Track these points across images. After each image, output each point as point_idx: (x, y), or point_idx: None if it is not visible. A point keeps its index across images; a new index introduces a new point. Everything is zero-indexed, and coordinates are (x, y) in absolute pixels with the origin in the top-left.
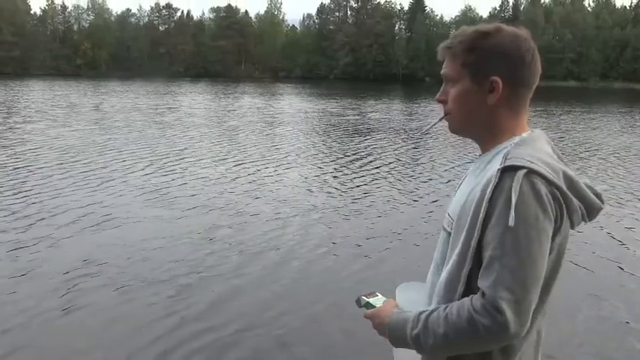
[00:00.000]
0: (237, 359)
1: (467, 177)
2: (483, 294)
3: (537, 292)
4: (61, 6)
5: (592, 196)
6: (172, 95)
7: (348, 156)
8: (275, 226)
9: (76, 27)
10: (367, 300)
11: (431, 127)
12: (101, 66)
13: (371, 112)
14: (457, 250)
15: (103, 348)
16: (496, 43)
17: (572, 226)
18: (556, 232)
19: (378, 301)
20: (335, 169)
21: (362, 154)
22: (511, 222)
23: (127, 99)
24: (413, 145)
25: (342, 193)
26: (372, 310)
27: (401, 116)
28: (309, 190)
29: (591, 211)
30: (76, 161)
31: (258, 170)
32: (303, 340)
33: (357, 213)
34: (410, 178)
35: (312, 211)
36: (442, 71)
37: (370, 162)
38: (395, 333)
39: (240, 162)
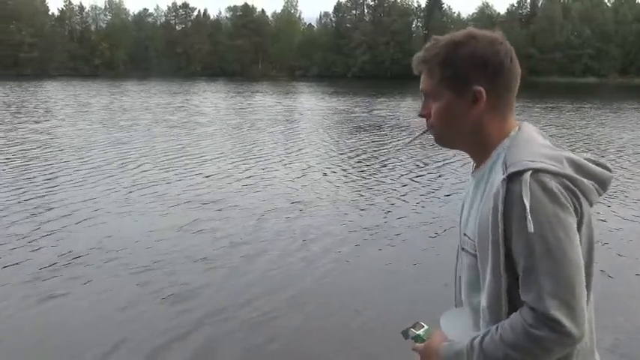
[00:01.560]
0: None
1: (470, 194)
2: (532, 308)
3: (583, 285)
4: (79, 6)
5: (599, 169)
6: (185, 94)
7: (367, 155)
8: (282, 224)
9: (93, 27)
10: (417, 333)
11: (413, 140)
12: (119, 66)
13: (389, 110)
14: (489, 270)
15: (95, 330)
16: (473, 51)
17: (592, 204)
18: (580, 221)
19: (426, 332)
20: (345, 167)
21: (381, 152)
22: (530, 228)
23: (139, 98)
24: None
25: (357, 191)
26: (421, 344)
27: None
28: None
29: (603, 184)
30: (77, 158)
31: (277, 169)
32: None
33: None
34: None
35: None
36: (420, 86)
37: (385, 161)
38: None
39: (250, 159)
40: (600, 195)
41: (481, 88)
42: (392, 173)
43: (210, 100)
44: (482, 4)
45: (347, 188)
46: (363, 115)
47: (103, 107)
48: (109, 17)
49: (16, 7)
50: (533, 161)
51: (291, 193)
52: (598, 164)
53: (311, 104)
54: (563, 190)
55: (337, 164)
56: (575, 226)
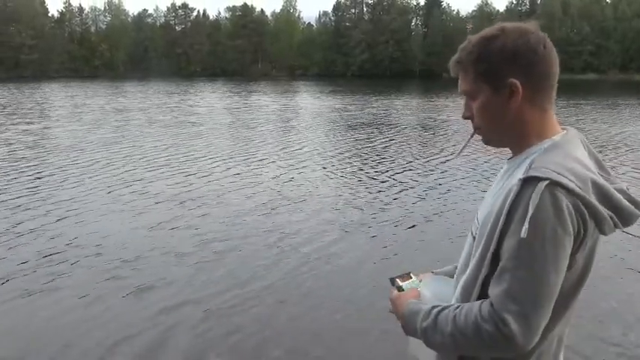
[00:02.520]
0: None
1: (498, 179)
2: (492, 303)
3: (549, 307)
4: (78, 8)
5: (627, 203)
6: (181, 95)
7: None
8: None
9: (93, 29)
10: (400, 284)
11: (464, 147)
12: (119, 67)
13: (391, 109)
14: (477, 256)
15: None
16: (503, 44)
17: (604, 233)
18: (579, 246)
19: (409, 285)
20: (346, 167)
21: (391, 151)
22: (523, 234)
23: (135, 99)
24: (439, 141)
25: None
26: (396, 294)
27: (422, 113)
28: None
29: (627, 219)
30: (63, 158)
31: (262, 167)
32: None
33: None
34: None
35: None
36: (459, 88)
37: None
38: (407, 322)
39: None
40: (619, 228)
41: (515, 81)
42: (376, 169)
43: (206, 100)
44: (482, 1)
45: (330, 183)
46: (356, 113)
47: (97, 108)
48: (109, 18)
49: (16, 9)
50: (557, 172)
51: (275, 189)
52: (630, 199)
53: (305, 103)
54: (572, 211)
55: (322, 161)
56: (569, 250)
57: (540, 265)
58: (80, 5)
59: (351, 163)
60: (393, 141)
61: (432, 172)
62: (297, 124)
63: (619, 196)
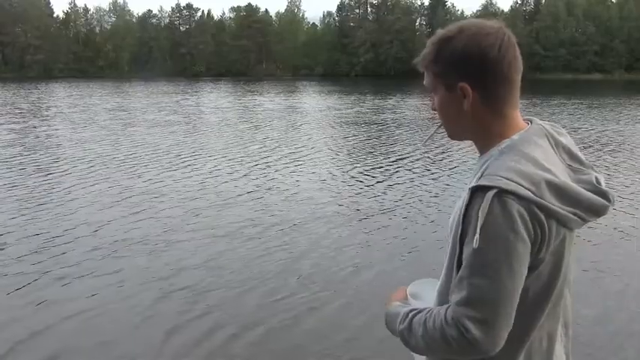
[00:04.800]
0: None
1: (470, 178)
2: (453, 310)
3: (509, 312)
4: (83, 8)
5: (590, 195)
6: (178, 95)
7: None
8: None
9: (98, 29)
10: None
11: (429, 138)
12: (123, 67)
13: (394, 109)
14: (446, 262)
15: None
16: (455, 46)
17: (573, 229)
18: (540, 247)
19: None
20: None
21: (394, 151)
22: (475, 244)
23: (129, 98)
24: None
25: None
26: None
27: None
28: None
29: (595, 211)
30: (42, 156)
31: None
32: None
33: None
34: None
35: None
36: (424, 82)
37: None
38: (388, 324)
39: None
40: (589, 220)
41: (465, 84)
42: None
43: (201, 99)
44: (486, 1)
45: (311, 177)
46: (348, 111)
47: (89, 107)
48: (114, 19)
49: (21, 10)
50: (506, 179)
51: (236, 185)
52: (597, 191)
53: (299, 102)
54: (526, 216)
55: (302, 159)
56: (525, 254)
57: (494, 271)
58: (85, 6)
59: (360, 161)
60: (399, 140)
61: (442, 171)
62: (302, 123)
63: (579, 190)
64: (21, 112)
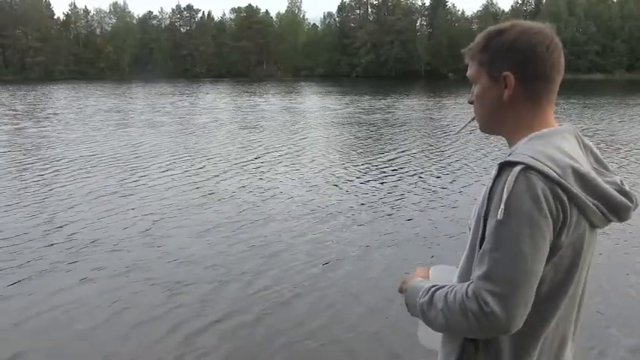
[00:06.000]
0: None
1: None
2: (475, 283)
3: (528, 288)
4: (84, 10)
5: (615, 193)
6: (174, 96)
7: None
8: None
9: (98, 31)
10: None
11: (463, 128)
12: (124, 69)
13: (398, 109)
14: (469, 242)
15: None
16: (506, 38)
17: (594, 226)
18: (561, 229)
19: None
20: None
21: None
22: (499, 216)
23: (124, 100)
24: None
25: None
26: (409, 275)
27: (429, 113)
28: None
29: (618, 210)
30: (25, 157)
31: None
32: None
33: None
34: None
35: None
36: (467, 73)
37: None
38: (409, 297)
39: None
40: (610, 221)
41: (509, 74)
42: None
43: (197, 101)
44: (487, 1)
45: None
46: (342, 111)
47: (83, 109)
48: (114, 20)
49: (22, 12)
50: (533, 158)
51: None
52: (621, 191)
53: (295, 102)
54: (549, 194)
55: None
56: (547, 233)
57: (516, 245)
58: (85, 7)
59: (344, 161)
60: (406, 141)
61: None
62: (293, 123)
63: (606, 185)
64: (15, 114)
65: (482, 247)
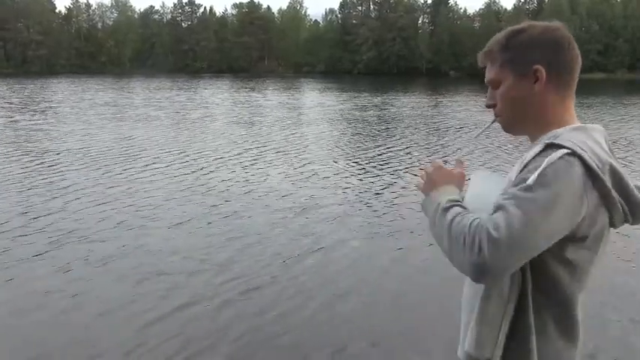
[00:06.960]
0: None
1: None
2: (490, 217)
3: (523, 257)
4: (86, 4)
5: (639, 196)
6: (170, 91)
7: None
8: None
9: (100, 25)
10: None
11: (483, 131)
12: (125, 63)
13: (394, 106)
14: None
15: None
16: (529, 36)
17: (613, 225)
18: (586, 215)
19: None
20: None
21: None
22: (530, 181)
23: (121, 94)
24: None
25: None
26: (438, 166)
27: (431, 111)
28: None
29: (636, 213)
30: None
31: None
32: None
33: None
34: None
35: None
36: (486, 78)
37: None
38: (427, 202)
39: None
40: (627, 222)
41: (540, 67)
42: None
43: (195, 95)
44: None
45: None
46: (334, 107)
47: (79, 103)
48: (116, 15)
49: (24, 6)
50: (580, 148)
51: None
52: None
53: (292, 98)
54: (586, 187)
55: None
56: (568, 222)
57: (534, 212)
58: (87, 1)
59: (362, 157)
60: (404, 139)
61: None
62: (287, 119)
63: (633, 187)
64: (10, 107)
65: (502, 198)
